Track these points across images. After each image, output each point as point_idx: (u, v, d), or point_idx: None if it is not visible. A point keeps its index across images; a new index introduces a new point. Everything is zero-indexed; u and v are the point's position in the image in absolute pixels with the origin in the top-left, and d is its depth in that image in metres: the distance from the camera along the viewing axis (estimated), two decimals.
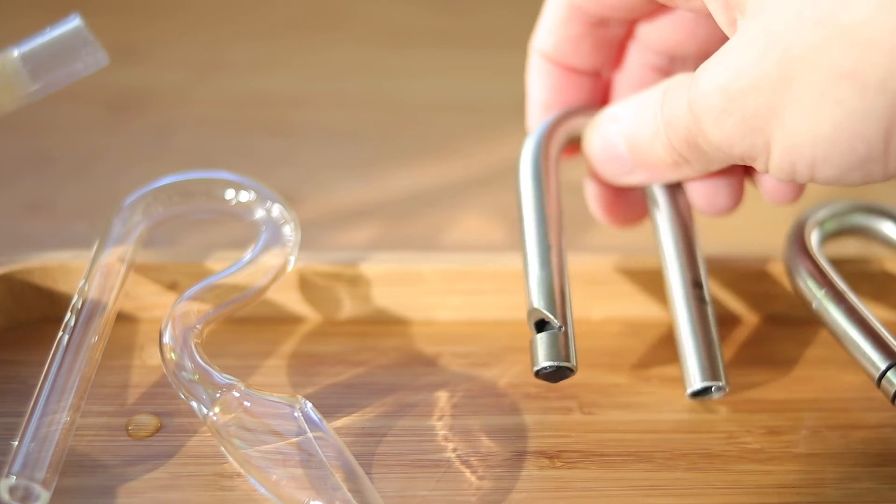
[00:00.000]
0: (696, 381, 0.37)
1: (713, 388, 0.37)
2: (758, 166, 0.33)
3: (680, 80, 0.35)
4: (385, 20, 0.67)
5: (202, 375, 0.35)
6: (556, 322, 0.35)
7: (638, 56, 0.40)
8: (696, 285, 0.38)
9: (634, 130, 0.37)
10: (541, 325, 0.35)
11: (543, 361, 0.34)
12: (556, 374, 0.35)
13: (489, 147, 0.55)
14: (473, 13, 0.68)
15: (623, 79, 0.41)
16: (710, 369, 0.37)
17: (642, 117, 0.36)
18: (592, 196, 0.41)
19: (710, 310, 0.38)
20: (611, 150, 0.38)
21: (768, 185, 0.39)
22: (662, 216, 0.40)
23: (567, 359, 0.34)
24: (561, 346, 0.34)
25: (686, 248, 0.39)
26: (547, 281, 0.35)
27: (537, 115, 0.41)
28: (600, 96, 0.41)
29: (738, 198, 0.39)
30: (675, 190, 0.40)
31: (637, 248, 0.44)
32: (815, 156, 0.31)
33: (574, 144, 0.40)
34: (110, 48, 0.38)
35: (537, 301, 0.35)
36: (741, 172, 0.39)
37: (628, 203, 0.41)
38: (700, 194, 0.39)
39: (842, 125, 0.30)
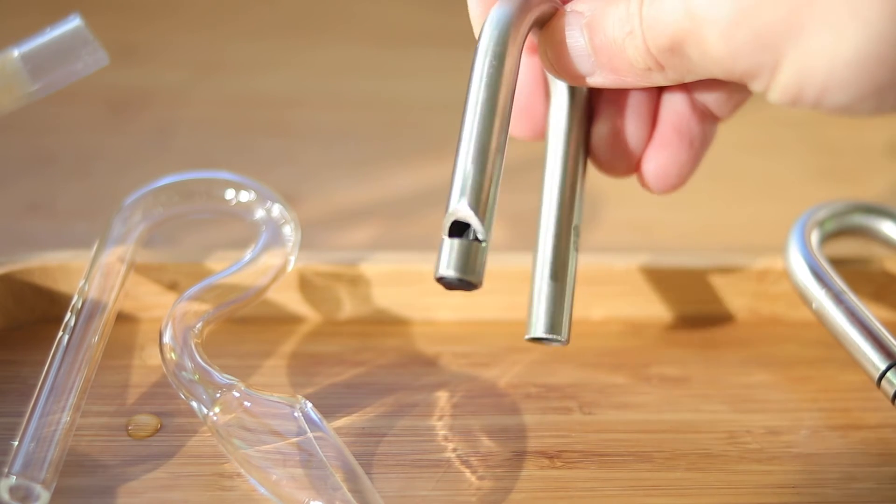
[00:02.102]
0: (538, 329, 0.35)
1: (551, 340, 0.35)
2: (755, 86, 0.31)
3: None
4: (384, 20, 0.67)
5: (202, 375, 0.35)
6: (480, 230, 0.30)
7: None
8: (575, 231, 0.36)
9: (603, 28, 0.33)
10: (457, 230, 0.30)
11: (450, 270, 0.30)
12: (456, 286, 0.31)
13: None
14: None
15: None
16: (554, 321, 0.35)
17: (614, 15, 0.33)
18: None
19: (575, 258, 0.36)
20: (573, 47, 0.34)
21: (652, 168, 0.37)
22: (557, 148, 0.37)
23: (475, 274, 0.30)
24: (475, 260, 0.30)
25: (571, 186, 0.36)
26: (480, 185, 0.30)
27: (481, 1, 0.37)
28: None
29: (644, 141, 0.37)
30: (577, 123, 0.37)
31: (637, 248, 0.44)
32: (828, 80, 0.29)
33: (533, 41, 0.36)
34: (110, 48, 0.38)
35: (467, 201, 0.30)
36: (652, 113, 0.37)
37: (540, 116, 0.38)
38: (613, 128, 0.37)
39: (865, 48, 0.28)
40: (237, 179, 0.41)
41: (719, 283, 0.43)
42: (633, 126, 0.37)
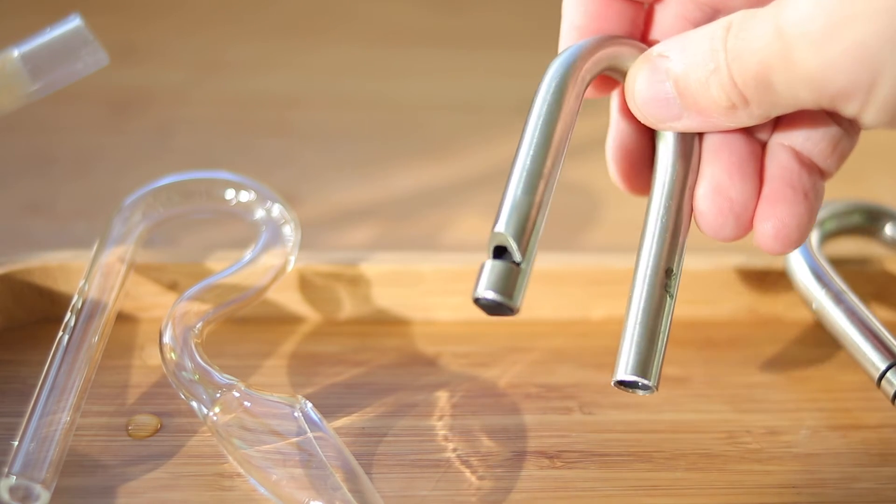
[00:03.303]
0: (624, 371, 0.34)
1: (640, 384, 0.34)
2: (849, 108, 0.30)
3: (747, 13, 0.32)
4: (385, 20, 0.67)
5: (202, 375, 0.35)
6: (517, 254, 0.31)
7: None
8: (667, 273, 0.35)
9: (687, 69, 0.33)
10: (498, 253, 0.32)
11: (485, 291, 0.31)
12: (495, 309, 0.32)
13: (489, 147, 0.55)
14: (473, 13, 0.68)
15: (665, 12, 0.37)
16: (644, 364, 0.34)
17: (697, 54, 0.32)
18: (614, 149, 0.37)
19: (670, 304, 0.35)
20: (657, 91, 0.34)
21: (771, 226, 0.34)
22: (660, 189, 0.36)
23: (511, 297, 0.31)
24: (510, 282, 0.31)
25: (672, 231, 0.36)
26: (525, 209, 0.32)
27: (571, 39, 0.36)
28: (640, 28, 0.37)
29: (752, 201, 0.35)
30: (685, 169, 0.36)
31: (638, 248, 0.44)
32: None
33: (605, 78, 0.37)
34: (110, 48, 0.38)
35: (506, 227, 0.32)
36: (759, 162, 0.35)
37: (645, 165, 0.37)
38: (718, 175, 0.35)
39: None
40: (237, 179, 0.41)
41: (719, 283, 0.43)
42: (738, 183, 0.35)
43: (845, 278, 0.39)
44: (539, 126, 0.33)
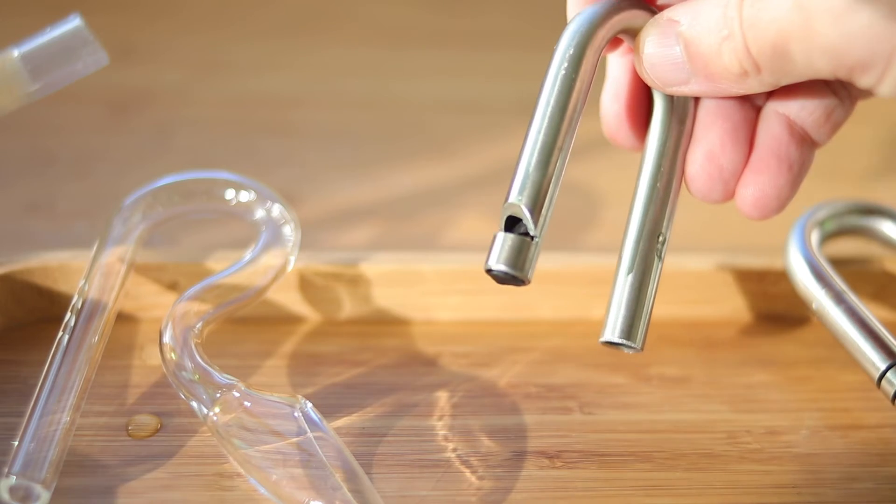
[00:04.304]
0: (611, 334, 0.35)
1: (625, 346, 0.35)
2: (865, 79, 0.31)
3: None
4: (385, 20, 0.67)
5: (202, 375, 0.35)
6: (531, 225, 0.31)
7: None
8: (657, 235, 0.36)
9: (699, 34, 0.33)
10: (510, 224, 0.32)
11: (497, 264, 0.31)
12: (505, 280, 0.32)
13: (489, 147, 0.55)
14: (473, 13, 0.68)
15: None
16: (630, 328, 0.35)
17: (710, 20, 0.33)
18: (609, 104, 0.37)
19: (658, 266, 0.36)
20: (667, 55, 0.34)
21: (751, 193, 0.36)
22: (653, 150, 0.37)
23: (523, 269, 0.31)
24: (523, 255, 0.31)
25: (663, 192, 0.36)
26: (539, 181, 0.32)
27: (579, 4, 0.36)
28: None
29: (740, 166, 0.36)
30: (680, 132, 0.37)
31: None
32: None
33: (616, 39, 0.36)
34: (110, 48, 0.38)
35: (519, 198, 0.31)
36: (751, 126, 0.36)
37: (638, 123, 0.38)
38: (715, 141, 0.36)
39: None
40: (237, 179, 0.41)
41: (719, 283, 0.43)
42: (729, 150, 0.36)
43: (845, 278, 0.39)
44: (554, 95, 0.33)
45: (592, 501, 0.35)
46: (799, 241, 0.41)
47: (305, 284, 0.42)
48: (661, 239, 0.36)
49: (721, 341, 0.43)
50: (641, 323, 0.34)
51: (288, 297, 0.42)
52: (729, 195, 0.36)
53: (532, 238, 0.32)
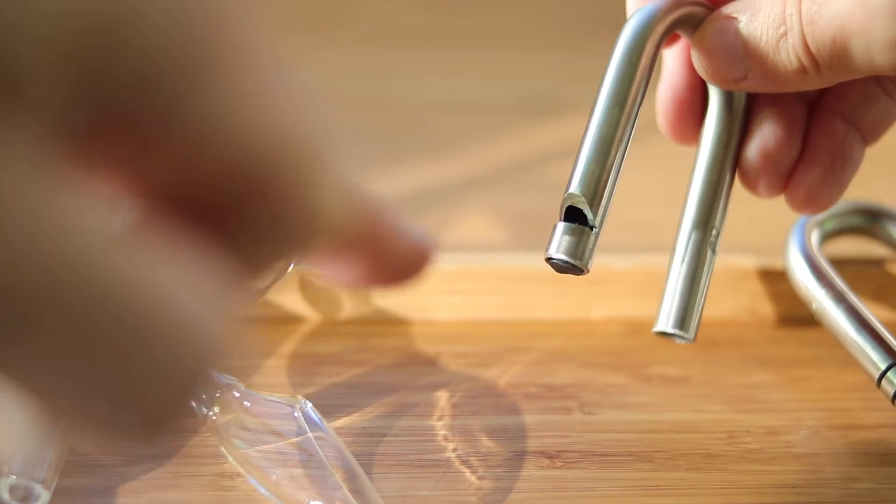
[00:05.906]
0: (665, 324, 0.36)
1: (677, 336, 0.36)
2: None
3: None
4: (386, 20, 0.67)
5: None
6: (591, 216, 0.32)
7: None
8: (711, 229, 0.37)
9: (757, 31, 0.33)
10: (570, 214, 0.33)
11: (558, 252, 0.32)
12: (565, 268, 0.33)
13: (489, 147, 0.55)
14: (473, 13, 0.68)
15: None
16: (684, 319, 0.35)
17: (769, 16, 0.33)
18: (666, 99, 0.38)
19: (712, 258, 0.36)
20: (726, 50, 0.34)
21: (803, 189, 0.36)
22: (707, 153, 0.37)
23: (583, 259, 0.32)
24: (582, 245, 0.32)
25: (716, 186, 0.37)
26: (598, 173, 0.32)
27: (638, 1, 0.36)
28: None
29: (793, 162, 0.36)
30: (734, 126, 0.37)
31: (638, 248, 0.44)
32: None
33: (674, 35, 0.36)
34: None
35: (580, 189, 0.32)
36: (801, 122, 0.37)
37: (694, 117, 0.38)
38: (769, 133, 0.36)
39: None
40: None
41: (719, 283, 0.43)
42: (784, 146, 0.36)
43: (845, 278, 0.39)
44: (614, 89, 0.33)
45: (592, 501, 0.35)
46: (799, 241, 0.41)
47: (305, 284, 0.42)
48: (714, 232, 0.36)
49: (721, 341, 0.43)
50: (694, 314, 0.35)
51: (288, 297, 0.42)
52: (781, 190, 0.37)
53: (591, 228, 0.32)
